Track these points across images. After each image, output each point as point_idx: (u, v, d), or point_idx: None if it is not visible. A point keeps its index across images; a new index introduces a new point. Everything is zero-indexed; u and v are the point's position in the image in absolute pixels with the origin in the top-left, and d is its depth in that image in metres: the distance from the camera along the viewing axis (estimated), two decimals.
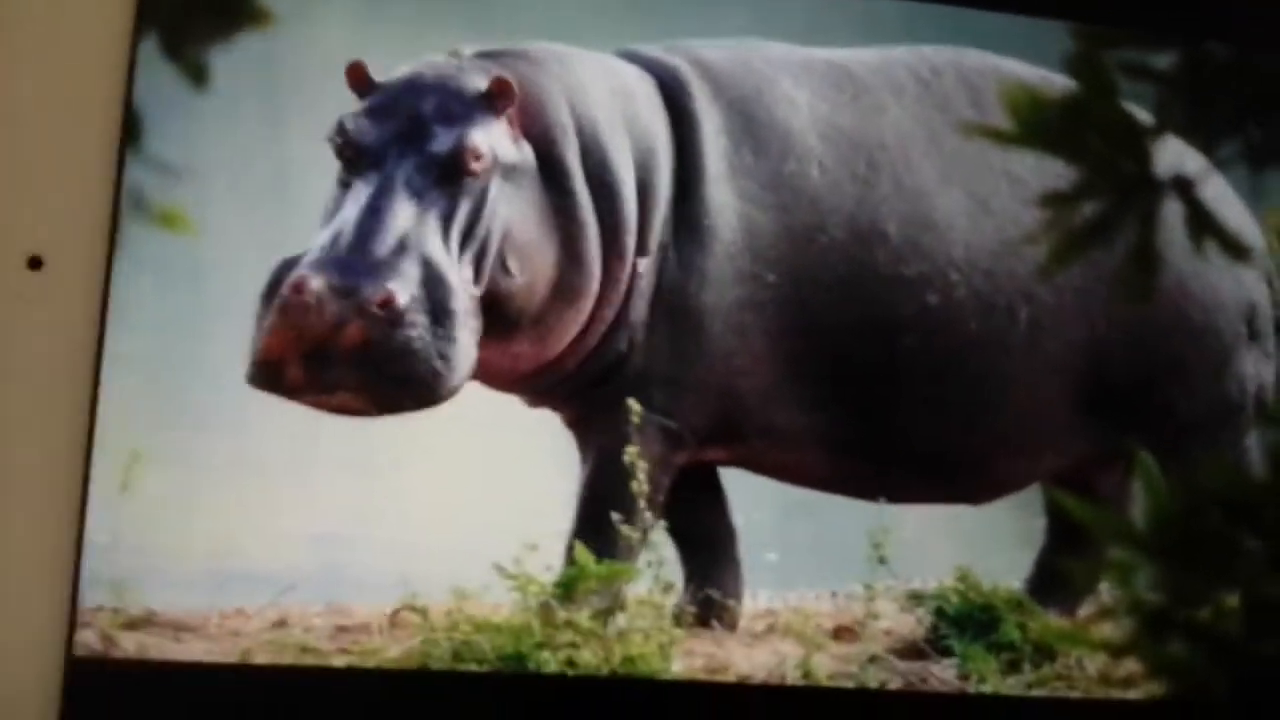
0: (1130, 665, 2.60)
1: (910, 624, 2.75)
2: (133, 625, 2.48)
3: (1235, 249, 2.78)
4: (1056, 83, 2.78)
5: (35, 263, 2.50)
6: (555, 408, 2.74)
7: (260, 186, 2.64)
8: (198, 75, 2.61)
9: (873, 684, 2.66)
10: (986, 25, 2.94)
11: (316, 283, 2.48)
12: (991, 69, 2.91)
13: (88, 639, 2.44)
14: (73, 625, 2.42)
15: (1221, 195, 2.75)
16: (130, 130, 2.55)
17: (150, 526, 2.49)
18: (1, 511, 2.44)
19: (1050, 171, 2.76)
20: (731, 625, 2.73)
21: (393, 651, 2.53)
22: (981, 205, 2.83)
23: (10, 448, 2.45)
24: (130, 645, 2.46)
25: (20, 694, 2.40)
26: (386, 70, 2.66)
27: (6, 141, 2.52)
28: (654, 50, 2.83)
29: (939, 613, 2.74)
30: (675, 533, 2.71)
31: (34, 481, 2.45)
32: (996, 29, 2.93)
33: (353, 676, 2.50)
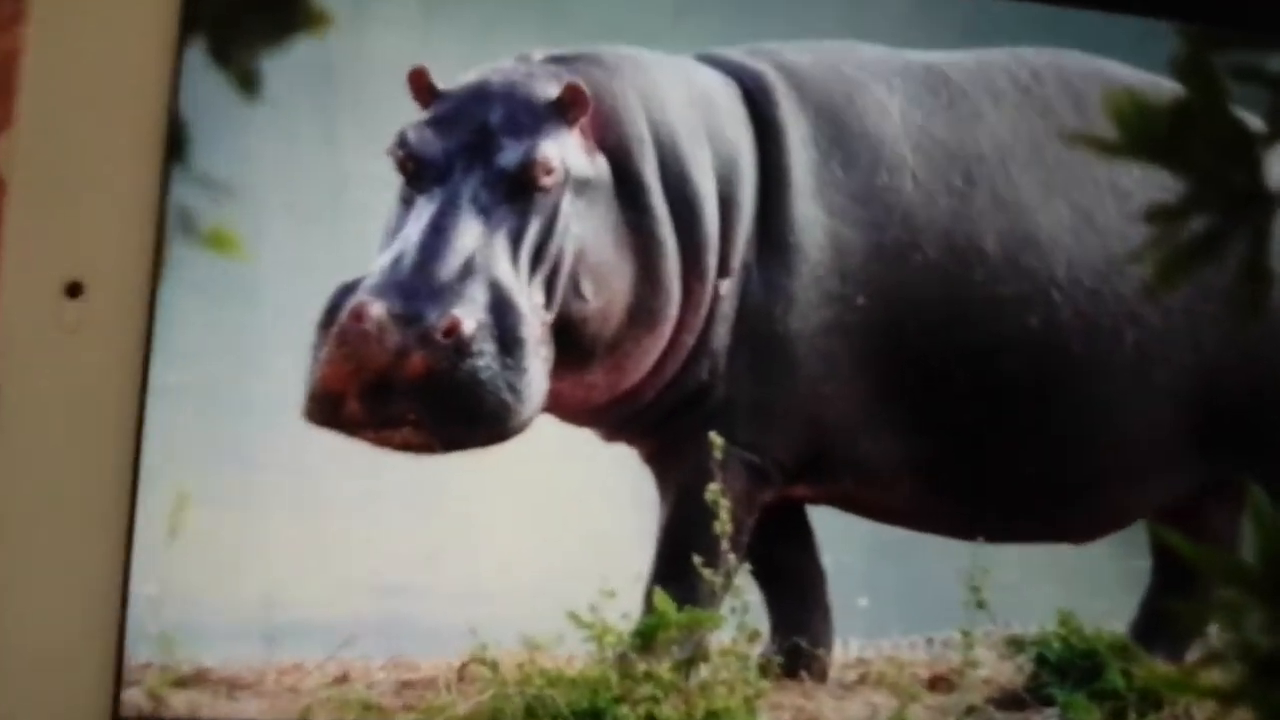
0: (1241, 714, 2.51)
1: (1009, 672, 2.68)
2: (183, 683, 2.42)
3: None
4: (1164, 87, 2.65)
5: (74, 289, 2.42)
6: (632, 442, 2.65)
7: (316, 204, 2.57)
8: (248, 83, 2.54)
9: None
10: (1088, 25, 2.83)
11: (377, 309, 2.38)
12: (1095, 72, 2.79)
13: (135, 698, 2.38)
14: (119, 684, 2.36)
15: None
16: (175, 143, 2.48)
17: (200, 575, 2.43)
18: (43, 560, 2.36)
19: (1156, 184, 2.66)
20: (821, 676, 2.66)
21: (461, 708, 2.45)
22: (1085, 220, 2.72)
23: (51, 490, 2.37)
24: (180, 705, 2.40)
25: None
26: (451, 76, 2.56)
27: (41, 158, 2.43)
28: (736, 53, 2.72)
29: (1040, 659, 2.66)
30: (761, 576, 2.61)
31: (76, 528, 2.37)
32: (1099, 29, 2.83)
33: None
